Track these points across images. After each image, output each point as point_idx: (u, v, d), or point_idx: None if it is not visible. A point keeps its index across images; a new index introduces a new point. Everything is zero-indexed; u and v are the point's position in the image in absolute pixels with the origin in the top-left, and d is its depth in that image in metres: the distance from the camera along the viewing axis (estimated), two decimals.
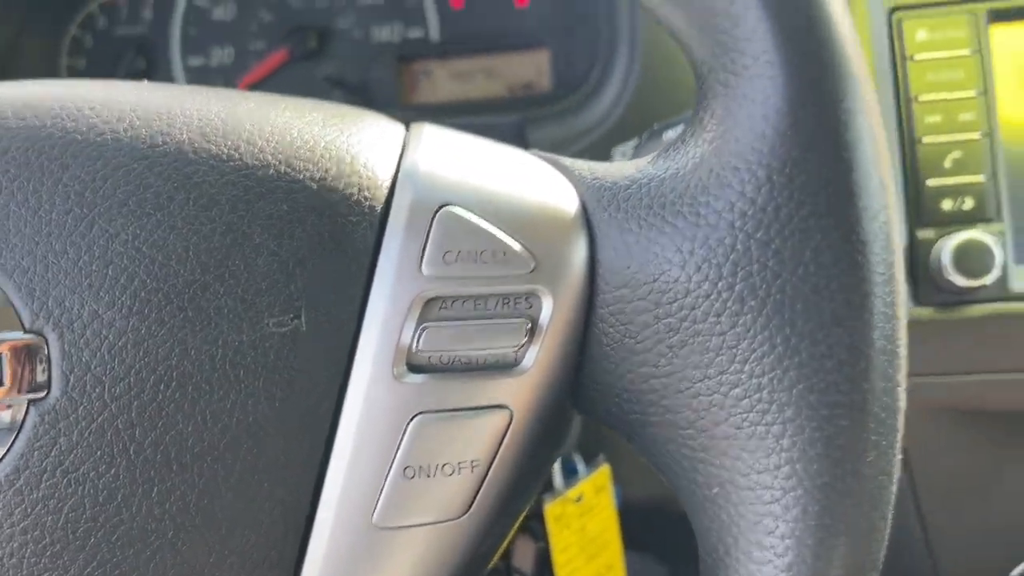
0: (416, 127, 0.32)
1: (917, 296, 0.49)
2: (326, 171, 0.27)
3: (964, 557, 0.54)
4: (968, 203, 0.49)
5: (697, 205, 0.27)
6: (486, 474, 0.27)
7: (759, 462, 0.26)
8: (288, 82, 0.71)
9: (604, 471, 0.58)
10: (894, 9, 0.50)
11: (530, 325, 0.27)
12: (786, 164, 0.25)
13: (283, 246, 0.26)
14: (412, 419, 0.27)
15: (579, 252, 0.28)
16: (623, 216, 0.28)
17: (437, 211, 0.27)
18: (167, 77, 0.72)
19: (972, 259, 0.47)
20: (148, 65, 0.72)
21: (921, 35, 0.50)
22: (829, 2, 0.26)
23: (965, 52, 0.49)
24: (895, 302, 0.26)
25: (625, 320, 0.28)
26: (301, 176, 0.27)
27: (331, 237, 0.27)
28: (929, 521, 0.52)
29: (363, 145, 0.29)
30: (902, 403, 0.26)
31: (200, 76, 0.72)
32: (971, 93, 0.49)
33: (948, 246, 0.47)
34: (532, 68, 0.70)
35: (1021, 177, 0.49)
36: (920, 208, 0.49)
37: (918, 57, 0.49)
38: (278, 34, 0.71)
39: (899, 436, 0.27)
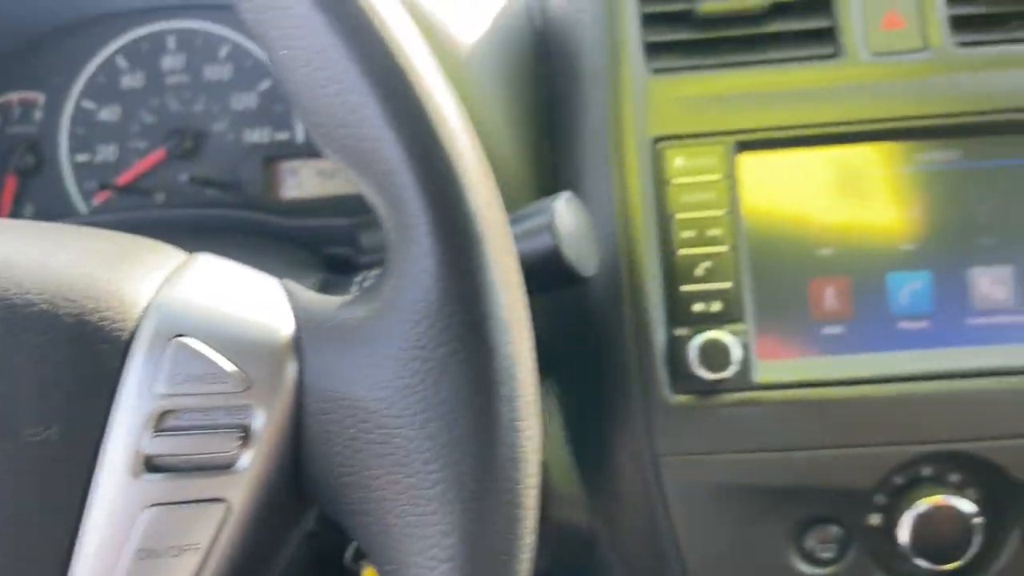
0: (193, 258, 0.39)
1: (675, 386, 0.57)
2: (84, 306, 0.34)
3: None
4: (716, 306, 0.57)
5: (375, 340, 0.34)
6: (207, 556, 0.34)
7: (414, 545, 0.33)
8: (166, 179, 0.78)
9: None
10: (657, 139, 0.58)
11: (244, 433, 0.34)
12: (432, 312, 0.33)
13: (41, 370, 0.33)
14: (145, 509, 0.33)
15: (290, 373, 0.35)
16: (325, 344, 0.35)
17: (171, 340, 0.34)
18: (55, 172, 0.79)
19: (713, 355, 0.55)
20: (38, 161, 0.79)
21: (679, 162, 0.58)
22: (472, 180, 0.34)
23: (716, 177, 0.57)
24: (519, 417, 0.33)
25: (325, 429, 0.35)
26: (60, 312, 0.34)
27: (83, 362, 0.34)
28: None
29: (124, 281, 0.36)
30: (528, 500, 0.34)
31: (86, 171, 0.79)
32: (720, 212, 0.57)
33: (695, 344, 0.55)
34: None
35: (764, 283, 0.57)
36: (676, 310, 0.57)
37: (676, 181, 0.58)
38: (158, 135, 0.78)
39: (526, 524, 0.34)
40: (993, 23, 0.59)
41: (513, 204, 0.62)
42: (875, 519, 0.58)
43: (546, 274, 0.48)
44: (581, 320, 0.60)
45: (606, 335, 0.58)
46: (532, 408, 0.34)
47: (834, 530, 0.58)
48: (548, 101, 0.65)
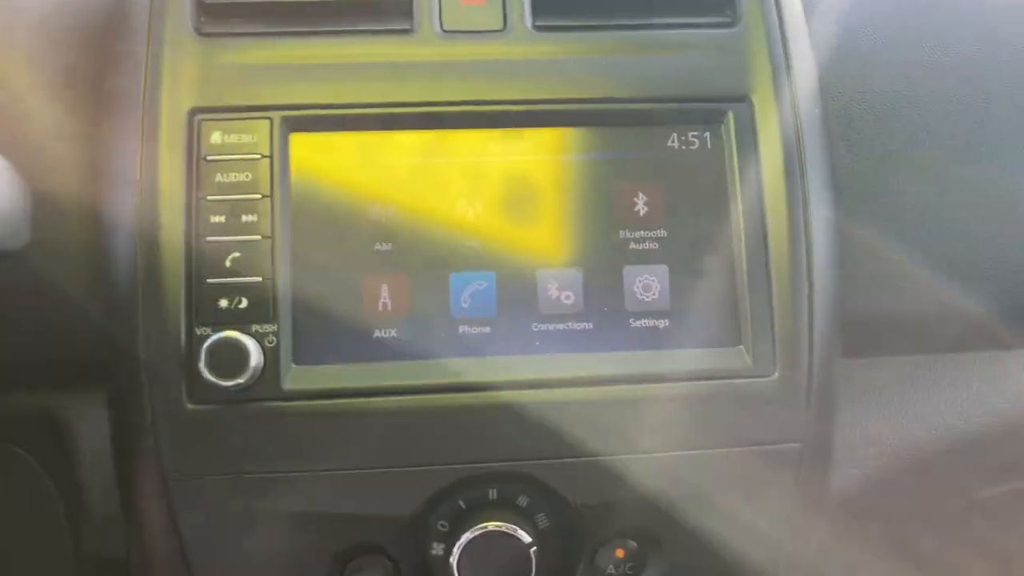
0: None
1: (193, 394, 0.49)
2: None
3: None
4: (244, 303, 0.49)
5: None
6: None
7: None
8: None
9: None
10: (195, 111, 0.51)
11: None
12: None
13: None
14: None
15: None
16: None
17: None
18: None
19: (225, 358, 0.47)
20: None
21: (216, 137, 0.51)
22: None
23: (256, 156, 0.50)
24: None
25: None
26: None
27: None
28: None
29: None
30: None
31: None
32: (257, 196, 0.50)
33: (206, 345, 0.48)
34: None
35: (308, 279, 0.50)
36: (199, 306, 0.49)
37: (211, 158, 0.50)
38: None
39: None
40: (577, 9, 0.55)
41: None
42: (438, 548, 0.52)
43: None
44: (108, 317, 0.52)
45: (124, 332, 0.50)
46: None
47: (382, 561, 0.52)
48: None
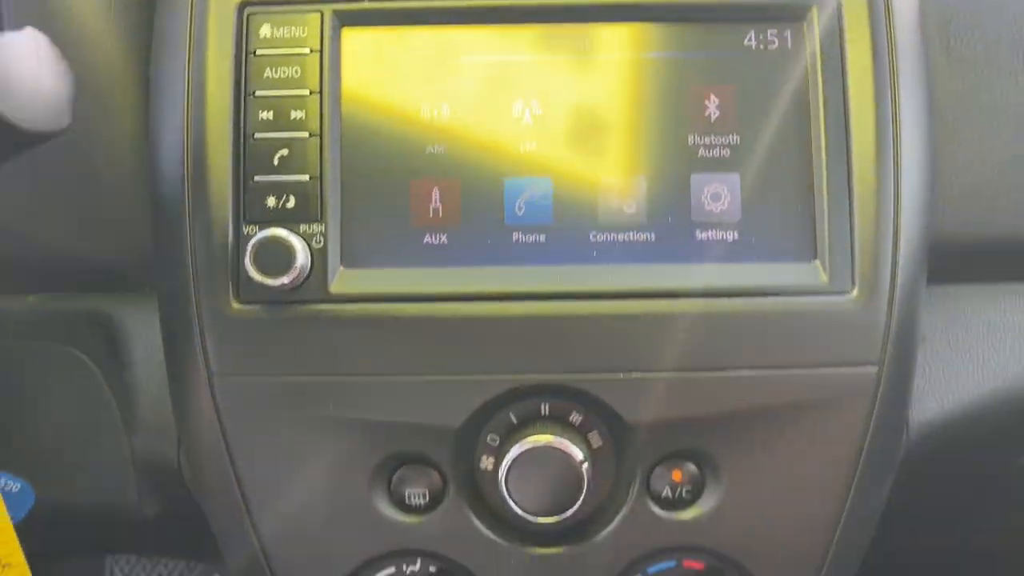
0: None
1: (239, 294, 0.48)
2: None
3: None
4: (291, 201, 0.48)
5: None
6: None
7: None
8: None
9: None
10: (244, 3, 0.49)
11: None
12: None
13: None
14: None
15: None
16: None
17: None
18: None
19: (271, 256, 0.46)
20: None
21: (265, 31, 0.49)
22: None
23: (304, 51, 0.48)
24: None
25: None
26: None
27: None
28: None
29: None
30: None
31: None
32: (305, 92, 0.48)
33: (252, 242, 0.46)
34: None
35: (357, 179, 0.48)
36: (247, 204, 0.48)
37: (260, 53, 0.49)
38: None
39: None
40: None
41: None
42: (486, 462, 0.50)
43: None
44: (155, 215, 0.51)
45: (170, 229, 0.49)
46: None
47: (428, 472, 0.50)
48: None
